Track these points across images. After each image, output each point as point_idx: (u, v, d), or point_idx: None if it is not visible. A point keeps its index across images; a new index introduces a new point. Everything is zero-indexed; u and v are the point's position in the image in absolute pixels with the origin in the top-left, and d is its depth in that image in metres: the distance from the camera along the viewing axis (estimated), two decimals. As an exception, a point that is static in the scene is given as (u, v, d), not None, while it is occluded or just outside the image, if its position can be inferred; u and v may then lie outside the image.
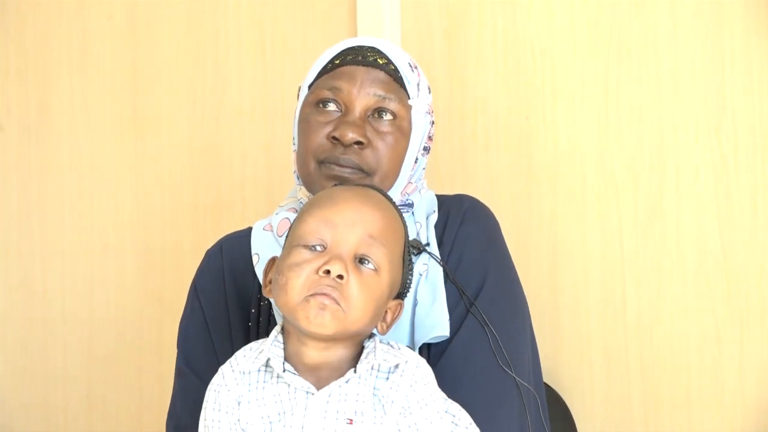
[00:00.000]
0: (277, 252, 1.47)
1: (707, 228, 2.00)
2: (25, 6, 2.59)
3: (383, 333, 1.38)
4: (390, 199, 1.42)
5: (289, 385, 1.31)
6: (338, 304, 1.28)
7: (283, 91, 2.35)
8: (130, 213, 2.50)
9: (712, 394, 1.99)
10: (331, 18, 2.31)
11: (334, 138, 1.54)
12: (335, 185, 1.50)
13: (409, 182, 1.60)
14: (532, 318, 1.63)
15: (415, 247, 1.53)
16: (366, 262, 1.32)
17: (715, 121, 2.00)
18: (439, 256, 1.54)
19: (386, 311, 1.38)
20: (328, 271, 1.29)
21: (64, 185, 2.56)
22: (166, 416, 1.64)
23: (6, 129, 2.61)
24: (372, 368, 1.31)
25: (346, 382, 1.30)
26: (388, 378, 1.30)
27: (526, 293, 1.63)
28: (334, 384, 1.29)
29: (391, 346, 1.35)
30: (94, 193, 2.53)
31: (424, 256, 1.54)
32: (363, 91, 1.56)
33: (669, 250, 2.03)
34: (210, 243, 1.72)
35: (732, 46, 2.00)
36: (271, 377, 1.32)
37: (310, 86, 1.62)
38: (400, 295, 1.42)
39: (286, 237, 1.41)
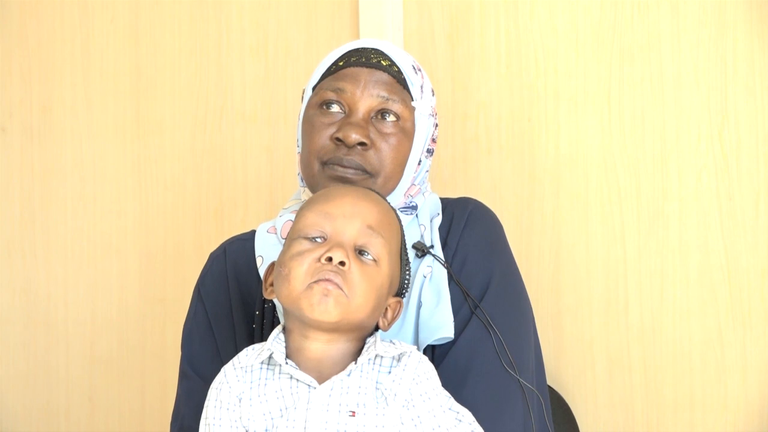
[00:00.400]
0: (281, 254, 1.47)
1: (710, 231, 2.00)
2: (28, 8, 2.59)
3: (385, 330, 1.39)
4: (386, 200, 1.43)
5: (291, 378, 1.31)
6: (341, 289, 1.30)
7: (286, 94, 2.34)
8: (132, 215, 2.50)
9: (714, 397, 1.99)
10: (334, 21, 2.31)
11: (338, 139, 1.54)
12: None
13: (413, 184, 1.60)
14: (535, 320, 1.64)
15: (419, 249, 1.54)
16: (366, 253, 1.34)
17: (717, 124, 2.00)
18: (443, 259, 1.54)
19: (387, 308, 1.39)
20: (330, 259, 1.30)
21: (67, 187, 2.56)
22: (169, 419, 1.64)
23: (9, 131, 2.61)
24: (374, 361, 1.32)
25: (348, 375, 1.30)
26: (390, 372, 1.31)
27: (528, 295, 1.63)
28: (336, 377, 1.30)
29: (393, 343, 1.35)
30: (96, 195, 2.53)
31: (428, 258, 1.54)
32: (366, 93, 1.56)
33: (671, 253, 2.03)
34: (213, 245, 1.72)
35: (734, 50, 2.00)
36: (273, 373, 1.33)
37: (313, 88, 1.62)
38: (400, 294, 1.43)
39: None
